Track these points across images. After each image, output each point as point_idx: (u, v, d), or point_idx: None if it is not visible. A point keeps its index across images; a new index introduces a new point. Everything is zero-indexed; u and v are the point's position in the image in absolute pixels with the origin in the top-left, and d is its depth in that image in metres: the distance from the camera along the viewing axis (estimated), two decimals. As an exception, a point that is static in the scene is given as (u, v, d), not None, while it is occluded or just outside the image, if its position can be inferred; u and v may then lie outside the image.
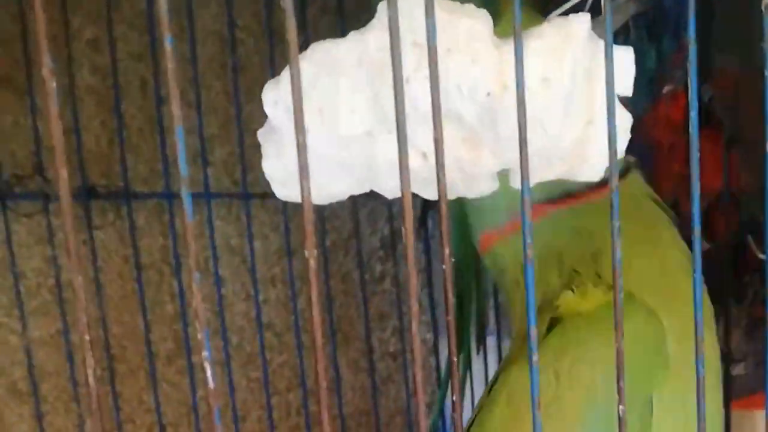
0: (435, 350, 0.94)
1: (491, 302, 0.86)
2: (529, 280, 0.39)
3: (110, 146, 0.81)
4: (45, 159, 0.78)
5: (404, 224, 0.36)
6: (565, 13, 0.39)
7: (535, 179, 0.40)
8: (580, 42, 0.38)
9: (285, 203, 0.77)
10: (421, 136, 0.40)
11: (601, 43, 0.39)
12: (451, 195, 0.43)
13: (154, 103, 0.80)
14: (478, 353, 0.83)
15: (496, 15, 0.54)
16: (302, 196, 0.34)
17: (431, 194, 0.44)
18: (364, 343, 0.92)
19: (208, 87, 0.82)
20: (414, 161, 0.41)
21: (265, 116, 0.86)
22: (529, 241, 0.38)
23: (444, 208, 0.37)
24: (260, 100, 0.86)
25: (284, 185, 0.44)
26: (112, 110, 0.80)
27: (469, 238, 0.76)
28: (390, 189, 0.43)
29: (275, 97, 0.40)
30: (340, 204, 0.48)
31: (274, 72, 0.83)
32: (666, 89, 0.64)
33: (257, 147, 0.84)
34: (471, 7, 0.38)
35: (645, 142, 0.66)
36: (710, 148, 0.62)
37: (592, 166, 0.41)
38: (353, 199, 0.52)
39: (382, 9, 0.38)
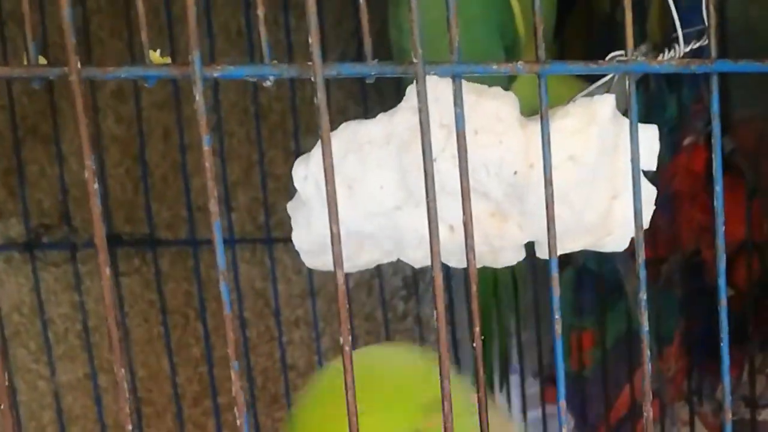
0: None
1: (514, 340, 0.87)
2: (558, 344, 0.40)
3: (135, 193, 0.82)
4: (72, 208, 0.79)
5: (435, 299, 0.36)
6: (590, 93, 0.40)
7: (561, 251, 0.41)
8: (605, 121, 0.39)
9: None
10: (448, 210, 0.41)
11: (625, 120, 0.40)
12: (478, 265, 0.44)
13: (177, 150, 0.81)
14: (501, 391, 0.84)
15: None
16: (337, 286, 0.35)
17: (457, 263, 0.44)
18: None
19: (230, 133, 0.83)
20: (442, 234, 0.42)
21: (288, 163, 0.87)
22: (557, 316, 0.39)
23: (474, 287, 0.37)
24: (282, 147, 0.87)
25: (313, 255, 0.45)
26: (136, 158, 0.81)
27: (492, 279, 0.77)
28: (416, 259, 0.44)
29: (305, 172, 0.41)
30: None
31: (296, 118, 0.84)
32: (687, 141, 0.64)
33: (280, 192, 0.85)
34: (497, 89, 0.39)
35: (666, 191, 0.66)
36: (732, 198, 0.63)
37: (617, 238, 0.42)
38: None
39: (410, 92, 0.39)
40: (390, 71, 0.35)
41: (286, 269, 0.88)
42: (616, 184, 0.41)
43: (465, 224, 0.37)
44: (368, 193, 0.41)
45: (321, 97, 0.33)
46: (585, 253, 0.46)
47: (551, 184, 0.38)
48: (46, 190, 0.80)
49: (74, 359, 0.82)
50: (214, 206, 0.33)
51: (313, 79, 0.33)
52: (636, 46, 0.39)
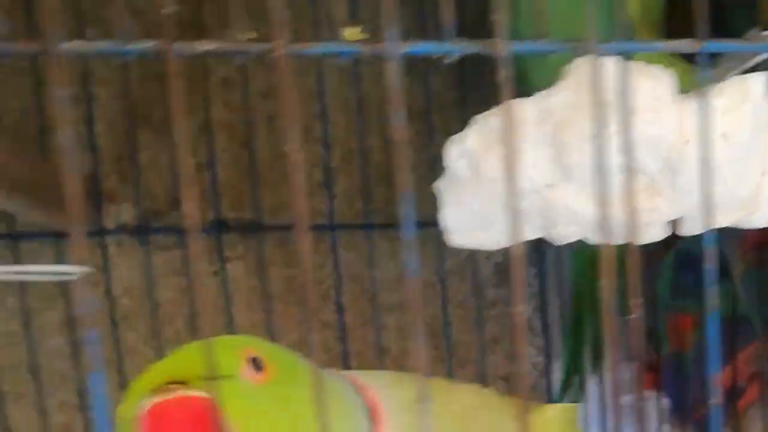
0: (546, 373, 0.95)
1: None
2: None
3: (239, 180, 0.84)
4: (181, 194, 0.81)
5: (605, 278, 0.38)
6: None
7: (711, 225, 0.42)
8: (758, 99, 0.40)
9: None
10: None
11: (778, 98, 0.41)
12: (622, 242, 0.45)
13: (281, 137, 0.83)
14: (594, 374, 0.85)
15: None
16: (513, 258, 0.36)
17: (601, 239, 0.46)
18: (477, 366, 0.94)
19: (333, 123, 0.85)
20: (593, 209, 0.43)
21: (385, 151, 0.89)
22: (713, 293, 0.40)
23: (636, 266, 0.39)
24: (379, 133, 0.88)
25: (461, 234, 0.46)
26: (242, 144, 0.83)
27: (589, 261, 0.78)
28: (564, 235, 0.46)
29: (460, 151, 0.43)
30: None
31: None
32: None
33: (378, 179, 0.87)
34: (654, 67, 0.40)
35: None
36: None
37: (765, 214, 0.43)
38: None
39: (570, 71, 0.40)
40: (562, 48, 0.37)
41: (382, 255, 0.89)
42: (766, 161, 0.42)
43: (627, 203, 0.38)
44: (522, 171, 0.42)
45: (503, 74, 0.34)
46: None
47: (708, 163, 0.39)
48: (157, 176, 0.82)
49: (180, 342, 0.84)
50: (407, 188, 0.34)
51: (494, 56, 0.35)
52: (748, 27, 0.40)
